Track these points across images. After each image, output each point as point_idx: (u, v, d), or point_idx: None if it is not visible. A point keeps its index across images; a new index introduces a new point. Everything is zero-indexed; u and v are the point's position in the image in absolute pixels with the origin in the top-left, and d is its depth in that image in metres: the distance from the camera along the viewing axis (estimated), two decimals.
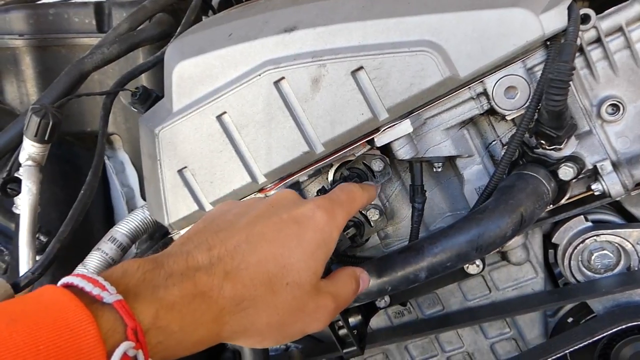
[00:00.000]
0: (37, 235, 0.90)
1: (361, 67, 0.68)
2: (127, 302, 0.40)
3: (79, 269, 0.88)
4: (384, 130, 0.71)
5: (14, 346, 0.34)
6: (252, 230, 0.52)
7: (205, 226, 0.54)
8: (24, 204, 0.74)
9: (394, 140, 0.72)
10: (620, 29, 0.70)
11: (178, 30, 0.94)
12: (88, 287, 0.40)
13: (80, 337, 0.37)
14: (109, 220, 1.33)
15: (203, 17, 1.25)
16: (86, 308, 0.38)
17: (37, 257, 0.79)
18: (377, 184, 0.77)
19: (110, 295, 0.40)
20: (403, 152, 0.73)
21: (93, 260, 0.89)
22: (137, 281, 0.43)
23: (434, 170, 0.78)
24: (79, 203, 0.71)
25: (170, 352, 0.44)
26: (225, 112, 0.72)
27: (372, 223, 0.81)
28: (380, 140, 0.71)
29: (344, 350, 0.77)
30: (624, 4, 0.69)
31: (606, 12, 0.70)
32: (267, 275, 0.49)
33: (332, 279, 0.59)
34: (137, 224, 0.94)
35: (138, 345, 0.39)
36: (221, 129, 0.73)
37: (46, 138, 0.71)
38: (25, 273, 0.72)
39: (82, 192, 0.72)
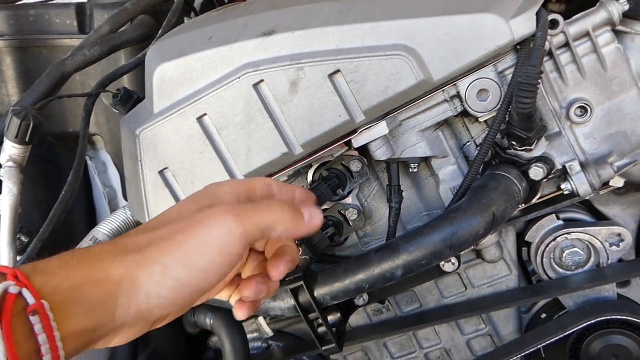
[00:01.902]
0: (18, 236, 0.90)
1: (338, 71, 0.70)
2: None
3: None
4: (360, 131, 0.73)
5: None
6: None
7: None
8: (5, 204, 0.75)
9: (371, 141, 0.74)
10: (587, 34, 0.72)
11: (159, 33, 0.95)
12: None
13: None
14: (91, 221, 1.33)
15: (185, 19, 1.26)
16: None
17: (18, 258, 0.79)
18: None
19: None
20: (380, 153, 0.75)
21: None
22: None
23: (410, 170, 0.80)
24: (60, 204, 0.72)
25: (64, 292, 0.42)
26: (205, 114, 0.73)
27: (350, 222, 0.83)
28: (357, 141, 0.73)
29: (323, 348, 0.79)
30: (590, 10, 0.72)
31: (574, 17, 0.72)
32: (147, 228, 0.48)
33: None
34: (118, 224, 0.95)
35: (20, 283, 0.40)
36: (201, 130, 0.74)
37: (27, 139, 0.72)
38: None
39: (62, 193, 0.73)
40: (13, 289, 0.39)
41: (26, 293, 0.39)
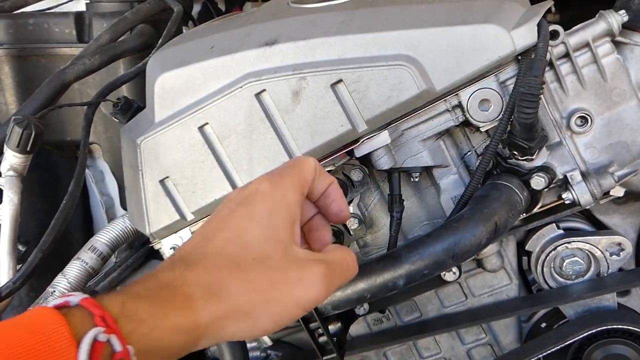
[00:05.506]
0: None
1: (340, 80, 0.70)
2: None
3: (59, 279, 0.88)
4: (363, 141, 0.73)
5: None
6: (205, 229, 0.53)
7: None
8: (5, 214, 0.74)
9: (373, 151, 0.74)
10: (587, 45, 0.73)
11: (160, 42, 0.95)
12: (56, 301, 0.43)
13: (51, 337, 0.38)
14: (88, 229, 1.32)
15: (184, 28, 1.26)
16: (57, 312, 0.40)
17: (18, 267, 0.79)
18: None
19: (76, 297, 0.42)
20: (382, 162, 0.75)
21: (73, 269, 0.89)
22: (105, 295, 0.45)
23: (412, 180, 0.80)
24: (61, 213, 0.72)
25: (150, 341, 0.43)
26: (207, 123, 0.73)
27: (351, 232, 0.83)
28: (360, 151, 0.73)
29: (324, 358, 0.79)
30: (590, 20, 0.72)
31: (574, 28, 0.73)
32: (229, 258, 0.49)
33: (323, 249, 0.58)
34: (117, 233, 0.94)
35: (109, 330, 0.40)
36: (203, 140, 0.74)
37: (28, 148, 0.71)
38: (7, 283, 0.72)
39: (64, 201, 0.72)
40: (102, 337, 0.40)
41: (114, 340, 0.40)
